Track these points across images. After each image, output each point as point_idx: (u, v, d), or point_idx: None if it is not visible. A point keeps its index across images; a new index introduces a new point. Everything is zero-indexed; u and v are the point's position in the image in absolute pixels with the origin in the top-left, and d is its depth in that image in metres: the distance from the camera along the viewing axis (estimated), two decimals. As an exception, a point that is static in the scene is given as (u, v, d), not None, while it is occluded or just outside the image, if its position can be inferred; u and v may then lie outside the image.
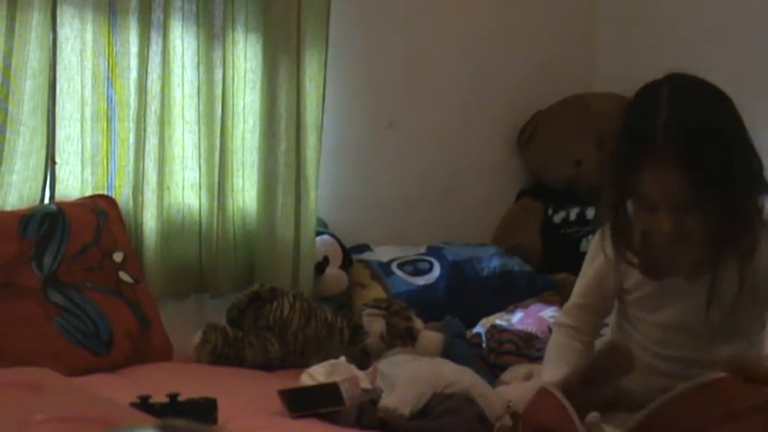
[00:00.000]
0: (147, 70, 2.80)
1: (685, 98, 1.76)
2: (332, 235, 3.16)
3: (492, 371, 2.65)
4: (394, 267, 3.20)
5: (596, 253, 1.93)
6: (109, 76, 2.78)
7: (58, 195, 2.73)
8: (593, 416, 1.81)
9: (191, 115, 2.93)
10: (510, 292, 3.15)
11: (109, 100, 2.78)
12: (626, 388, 1.86)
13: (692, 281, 1.83)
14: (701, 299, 1.82)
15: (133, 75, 2.80)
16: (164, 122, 2.85)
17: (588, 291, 1.97)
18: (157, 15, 2.82)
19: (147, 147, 2.82)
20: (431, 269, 3.21)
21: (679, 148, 1.69)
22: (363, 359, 2.64)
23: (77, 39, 2.73)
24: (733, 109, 1.78)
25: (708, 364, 1.80)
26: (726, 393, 1.66)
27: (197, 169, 2.94)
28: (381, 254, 3.26)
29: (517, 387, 2.33)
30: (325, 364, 2.32)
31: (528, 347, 2.68)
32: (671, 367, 1.88)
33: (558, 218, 3.53)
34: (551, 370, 1.94)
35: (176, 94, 2.90)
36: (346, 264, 3.15)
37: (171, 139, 2.89)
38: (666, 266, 1.84)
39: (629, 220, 1.81)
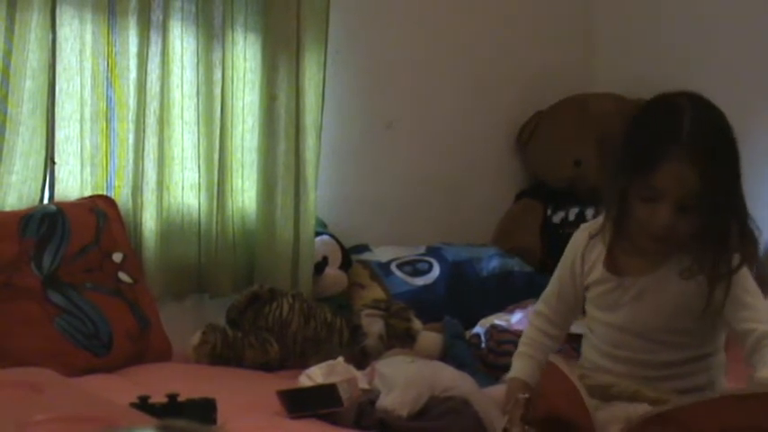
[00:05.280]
0: (146, 70, 2.80)
1: (704, 105, 1.86)
2: (331, 235, 3.16)
3: (491, 371, 2.65)
4: (393, 268, 3.20)
5: (573, 243, 2.05)
6: (108, 77, 2.78)
7: (58, 196, 2.73)
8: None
9: (190, 115, 2.93)
10: (509, 293, 3.14)
11: (108, 100, 2.78)
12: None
13: (639, 278, 1.91)
14: (652, 303, 1.91)
15: (132, 75, 2.80)
16: (163, 123, 2.85)
17: (562, 280, 2.06)
18: (157, 15, 2.82)
19: (147, 147, 2.81)
20: (430, 270, 3.21)
21: (704, 146, 1.80)
22: (362, 360, 2.64)
23: (77, 39, 2.73)
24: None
25: (659, 365, 1.90)
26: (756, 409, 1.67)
27: (196, 169, 2.94)
28: (380, 254, 3.26)
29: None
30: (323, 365, 2.32)
31: (527, 348, 2.67)
32: (622, 368, 1.94)
33: (557, 218, 3.53)
34: (520, 363, 2.05)
35: (176, 94, 2.90)
36: (345, 264, 3.14)
37: (170, 139, 2.89)
38: (626, 262, 1.93)
39: (628, 206, 1.88)
